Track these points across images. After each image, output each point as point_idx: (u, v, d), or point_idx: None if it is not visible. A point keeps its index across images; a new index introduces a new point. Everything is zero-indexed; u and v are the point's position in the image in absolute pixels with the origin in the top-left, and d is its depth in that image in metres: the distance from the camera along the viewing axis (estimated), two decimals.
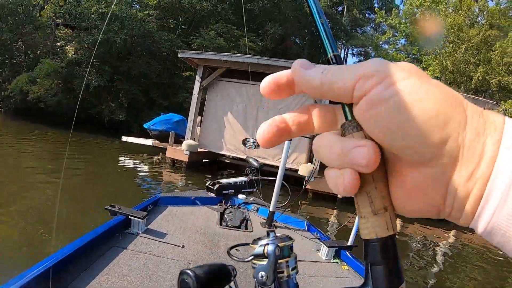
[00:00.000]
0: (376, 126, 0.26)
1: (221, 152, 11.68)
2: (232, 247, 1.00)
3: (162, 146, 13.00)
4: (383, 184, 0.28)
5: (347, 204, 10.35)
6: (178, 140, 12.42)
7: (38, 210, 5.79)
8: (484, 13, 23.66)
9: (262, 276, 0.60)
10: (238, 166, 11.92)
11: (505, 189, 0.23)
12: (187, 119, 12.04)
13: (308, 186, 10.78)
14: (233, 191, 3.91)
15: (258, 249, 0.62)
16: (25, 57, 23.80)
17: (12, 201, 6.03)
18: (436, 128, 0.24)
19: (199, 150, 11.50)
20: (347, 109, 0.28)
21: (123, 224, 2.47)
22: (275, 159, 10.78)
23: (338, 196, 10.91)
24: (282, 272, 0.61)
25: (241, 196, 3.89)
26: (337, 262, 2.76)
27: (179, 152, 11.30)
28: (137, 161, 12.24)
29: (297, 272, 0.65)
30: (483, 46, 20.19)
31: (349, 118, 0.28)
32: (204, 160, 12.22)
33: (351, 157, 0.26)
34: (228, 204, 3.71)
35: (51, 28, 24.13)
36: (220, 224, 3.14)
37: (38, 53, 23.68)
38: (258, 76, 11.28)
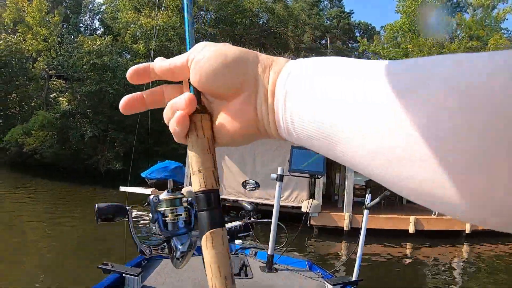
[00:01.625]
0: (198, 75, 0.37)
1: (221, 197, 11.48)
2: None
3: None
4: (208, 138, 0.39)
5: (354, 236, 10.19)
6: (177, 187, 12.33)
7: (31, 269, 5.66)
8: (462, 26, 24.42)
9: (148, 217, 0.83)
10: (241, 208, 11.77)
11: (282, 99, 0.33)
12: (184, 165, 11.96)
13: (313, 222, 10.62)
14: (229, 237, 3.80)
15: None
16: (20, 109, 23.92)
17: (3, 259, 5.90)
18: (238, 67, 0.36)
19: None
20: (190, 81, 0.40)
21: (117, 283, 2.39)
22: None
23: (345, 228, 10.75)
24: (167, 216, 0.81)
25: (237, 242, 3.79)
26: None
27: None
28: (137, 211, 12.06)
29: (187, 216, 0.82)
30: None
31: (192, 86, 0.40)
32: None
33: (178, 103, 0.38)
34: None
35: (44, 79, 24.46)
36: None
37: (32, 104, 23.87)
38: None
